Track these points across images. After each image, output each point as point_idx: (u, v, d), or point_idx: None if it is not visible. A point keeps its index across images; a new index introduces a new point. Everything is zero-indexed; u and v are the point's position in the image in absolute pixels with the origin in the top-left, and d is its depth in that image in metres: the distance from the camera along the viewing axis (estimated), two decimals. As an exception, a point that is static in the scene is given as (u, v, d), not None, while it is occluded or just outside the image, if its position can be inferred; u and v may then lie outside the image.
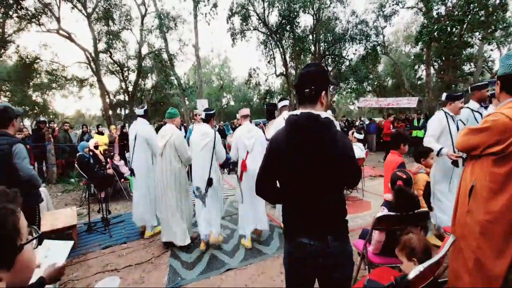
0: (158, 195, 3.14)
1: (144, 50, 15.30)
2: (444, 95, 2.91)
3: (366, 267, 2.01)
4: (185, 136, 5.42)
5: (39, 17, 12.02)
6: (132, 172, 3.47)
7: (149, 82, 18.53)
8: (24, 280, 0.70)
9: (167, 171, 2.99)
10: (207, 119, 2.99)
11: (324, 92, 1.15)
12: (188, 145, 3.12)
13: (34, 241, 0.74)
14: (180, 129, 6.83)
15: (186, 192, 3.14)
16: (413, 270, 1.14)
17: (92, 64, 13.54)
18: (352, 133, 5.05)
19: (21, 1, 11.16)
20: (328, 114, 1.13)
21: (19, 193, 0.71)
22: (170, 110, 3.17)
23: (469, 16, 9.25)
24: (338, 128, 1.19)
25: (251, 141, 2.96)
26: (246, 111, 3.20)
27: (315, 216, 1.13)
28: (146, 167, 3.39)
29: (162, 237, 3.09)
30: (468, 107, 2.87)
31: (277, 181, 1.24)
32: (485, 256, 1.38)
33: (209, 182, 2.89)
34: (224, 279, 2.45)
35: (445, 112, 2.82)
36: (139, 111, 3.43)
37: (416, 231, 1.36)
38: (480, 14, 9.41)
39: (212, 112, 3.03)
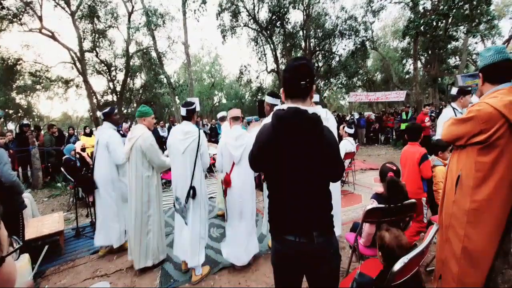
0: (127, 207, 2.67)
1: (132, 48, 15.00)
2: (455, 90, 3.02)
3: (358, 259, 2.02)
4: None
5: (21, 16, 11.57)
6: (93, 185, 2.89)
7: (138, 81, 18.23)
8: None
9: (132, 179, 2.52)
10: (188, 116, 2.43)
11: (314, 86, 1.16)
12: (165, 149, 2.65)
13: (15, 253, 0.68)
14: (170, 128, 6.78)
15: (158, 205, 2.61)
16: (398, 262, 1.15)
17: (77, 64, 13.12)
18: (343, 128, 5.05)
19: (1, 1, 10.70)
20: (323, 110, 1.13)
21: None
22: (140, 108, 2.67)
23: (454, 10, 9.46)
24: (333, 124, 1.18)
25: (239, 151, 2.42)
26: (236, 112, 2.65)
27: (300, 212, 1.12)
28: (110, 179, 2.87)
29: (128, 255, 2.62)
30: (471, 103, 3.03)
31: (265, 177, 1.23)
32: (472, 244, 1.40)
33: (191, 192, 2.32)
34: (217, 279, 2.43)
35: (453, 108, 2.93)
36: (101, 113, 2.99)
37: (393, 230, 1.38)
38: (465, 8, 9.64)
39: (192, 107, 2.44)
